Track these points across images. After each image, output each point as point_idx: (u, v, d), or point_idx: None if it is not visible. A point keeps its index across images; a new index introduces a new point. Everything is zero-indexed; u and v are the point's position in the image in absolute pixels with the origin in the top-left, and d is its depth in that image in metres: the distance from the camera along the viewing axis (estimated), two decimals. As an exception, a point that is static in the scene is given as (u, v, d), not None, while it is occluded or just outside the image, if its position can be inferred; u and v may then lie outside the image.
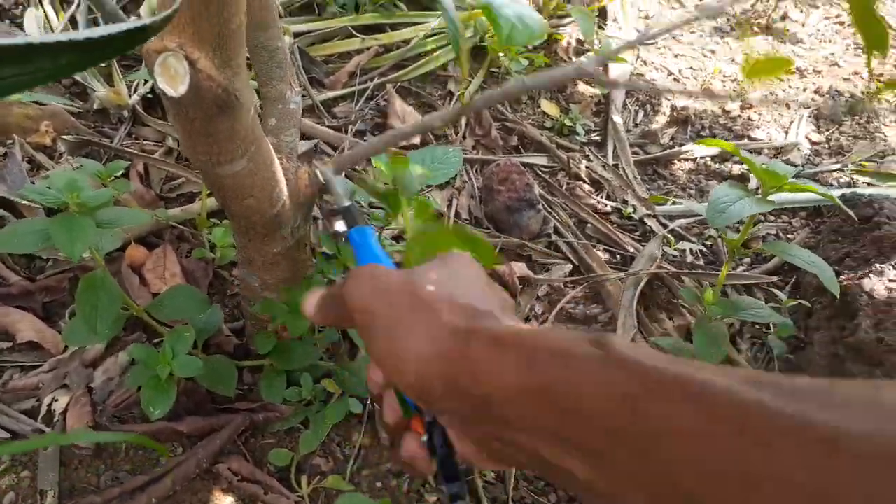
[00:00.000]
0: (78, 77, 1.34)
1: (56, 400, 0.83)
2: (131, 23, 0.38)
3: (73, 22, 1.40)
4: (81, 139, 1.23)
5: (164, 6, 0.48)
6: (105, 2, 0.57)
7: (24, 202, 1.03)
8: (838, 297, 0.98)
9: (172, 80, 0.51)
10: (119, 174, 0.96)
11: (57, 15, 1.40)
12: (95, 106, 1.30)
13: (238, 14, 0.50)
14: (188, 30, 0.51)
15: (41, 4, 1.40)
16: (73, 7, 1.41)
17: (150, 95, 1.35)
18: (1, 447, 0.64)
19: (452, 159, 1.05)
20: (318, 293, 0.44)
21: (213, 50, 0.53)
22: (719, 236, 1.39)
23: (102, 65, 1.33)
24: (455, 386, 0.34)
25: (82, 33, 0.37)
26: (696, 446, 0.25)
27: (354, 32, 1.61)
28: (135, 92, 1.34)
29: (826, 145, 1.63)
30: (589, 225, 1.35)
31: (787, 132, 1.64)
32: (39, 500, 0.74)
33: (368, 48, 1.60)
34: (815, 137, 1.64)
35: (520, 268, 1.21)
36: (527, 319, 1.15)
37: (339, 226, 0.63)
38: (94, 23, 1.42)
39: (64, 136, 1.24)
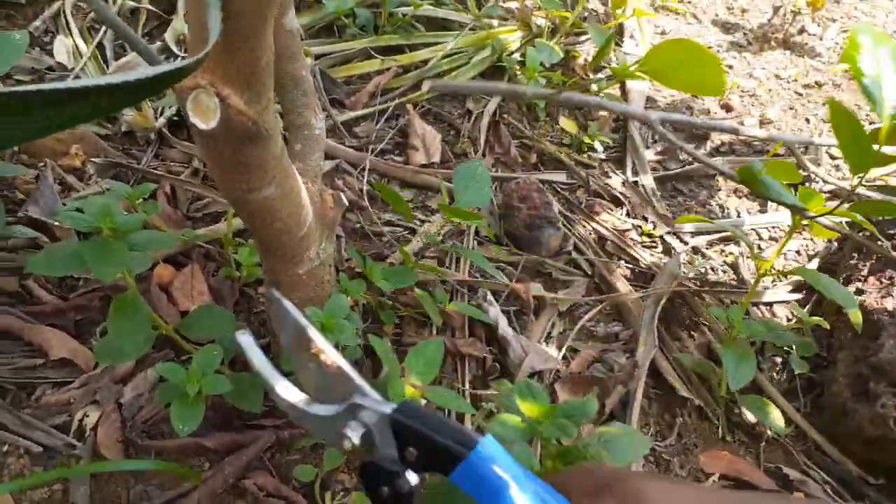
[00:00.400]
0: (107, 100, 1.38)
1: (87, 415, 0.85)
2: (167, 66, 0.40)
3: (100, 47, 1.45)
4: (110, 161, 1.27)
5: (196, 44, 0.50)
6: (136, 40, 0.59)
7: (56, 223, 1.06)
8: (860, 329, 0.99)
9: (204, 115, 0.53)
10: (147, 196, 0.99)
11: (85, 42, 1.45)
12: (123, 129, 1.34)
13: (266, 52, 0.52)
14: (218, 68, 0.53)
15: (70, 33, 1.45)
16: (101, 34, 1.45)
17: (175, 118, 1.38)
18: (35, 476, 0.66)
19: (481, 175, 1.07)
20: None
21: (243, 86, 0.55)
22: (746, 255, 1.39)
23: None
24: None
25: (120, 77, 0.39)
26: None
27: (374, 53, 1.64)
28: (161, 115, 1.37)
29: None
30: (609, 242, 1.36)
31: (806, 149, 1.64)
32: (72, 514, 0.76)
33: (388, 69, 1.63)
34: (836, 152, 1.63)
35: (536, 287, 1.22)
36: (547, 337, 1.16)
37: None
38: (122, 48, 1.47)
39: (93, 159, 1.27)
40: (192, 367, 0.80)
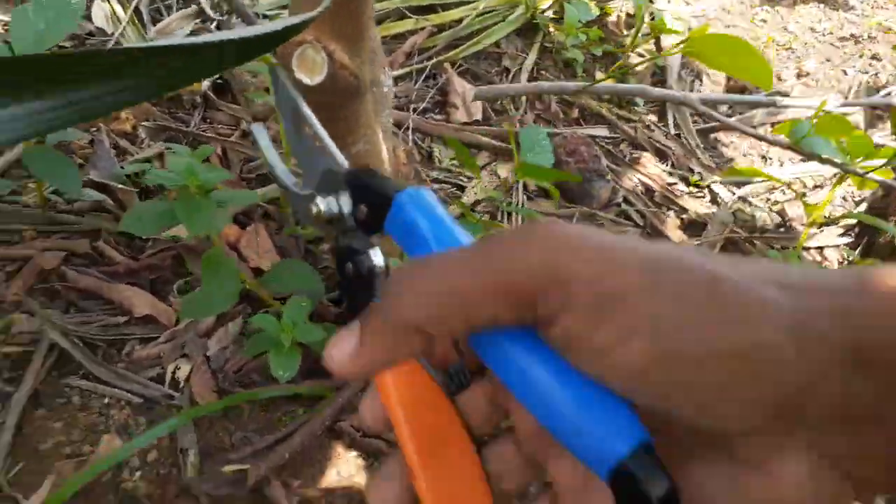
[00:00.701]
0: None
1: (178, 368, 0.86)
2: (291, 19, 0.41)
3: (136, 12, 1.44)
4: (160, 125, 1.27)
5: (306, 4, 0.50)
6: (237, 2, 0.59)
7: (119, 186, 1.07)
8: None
9: (310, 70, 0.53)
10: (206, 158, 0.99)
11: (123, 7, 1.44)
12: (169, 93, 1.33)
13: (369, 6, 0.53)
14: (325, 24, 0.53)
15: (108, -2, 1.43)
16: (138, -2, 1.44)
17: (219, 81, 1.37)
18: (152, 429, 0.68)
19: (542, 141, 1.08)
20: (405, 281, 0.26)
21: (347, 41, 0.55)
22: (793, 202, 1.40)
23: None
24: (884, 359, 0.23)
25: (238, 32, 0.40)
26: None
27: (407, 13, 1.63)
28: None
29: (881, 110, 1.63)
30: (657, 193, 1.37)
31: (846, 97, 1.64)
32: (181, 458, 0.77)
33: (422, 28, 1.62)
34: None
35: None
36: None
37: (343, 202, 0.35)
38: (158, 13, 1.45)
39: (143, 123, 1.27)
40: (284, 318, 0.81)
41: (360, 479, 0.78)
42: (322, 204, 0.35)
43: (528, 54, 1.60)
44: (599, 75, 1.63)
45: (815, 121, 1.00)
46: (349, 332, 0.26)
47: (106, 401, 0.82)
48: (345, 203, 0.35)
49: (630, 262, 0.23)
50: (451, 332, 0.26)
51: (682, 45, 0.94)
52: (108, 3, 1.44)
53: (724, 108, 1.63)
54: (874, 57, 1.75)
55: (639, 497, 0.24)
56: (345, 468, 0.79)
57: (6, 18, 1.26)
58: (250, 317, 0.95)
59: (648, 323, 0.23)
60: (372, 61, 0.89)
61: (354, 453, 0.81)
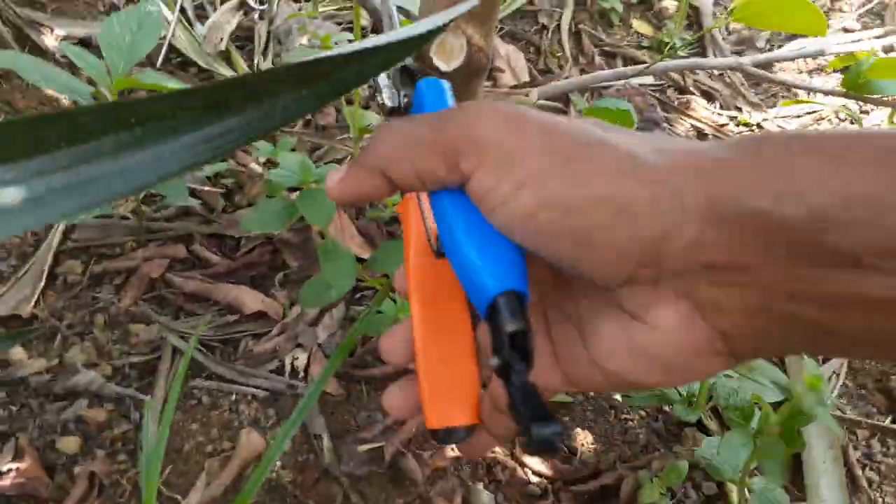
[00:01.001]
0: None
1: (296, 358, 0.91)
2: (445, 14, 0.43)
3: (182, 11, 1.45)
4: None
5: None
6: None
7: (205, 189, 1.10)
8: None
9: (448, 55, 0.55)
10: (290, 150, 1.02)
11: (168, 7, 1.45)
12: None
13: None
14: None
15: (148, -1, 1.44)
16: (181, -4, 1.45)
17: (268, 72, 1.39)
18: (289, 425, 0.72)
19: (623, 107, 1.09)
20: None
21: (480, 22, 0.57)
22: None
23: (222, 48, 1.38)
24: (734, 212, 0.24)
25: (400, 34, 0.42)
26: None
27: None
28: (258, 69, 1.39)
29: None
30: (709, 136, 1.38)
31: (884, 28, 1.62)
32: (316, 443, 0.83)
33: (454, -6, 1.61)
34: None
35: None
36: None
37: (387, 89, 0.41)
38: (202, 8, 1.46)
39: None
40: (400, 301, 0.86)
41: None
42: (385, 95, 0.40)
43: (562, 9, 1.60)
44: (635, 22, 1.62)
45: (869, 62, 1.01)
46: (342, 168, 0.32)
47: (233, 398, 0.88)
48: (402, 95, 0.40)
49: (530, 128, 0.28)
50: (403, 177, 0.30)
51: (733, 13, 0.94)
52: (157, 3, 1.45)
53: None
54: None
55: (497, 330, 0.28)
56: (469, 436, 0.84)
57: (81, 32, 1.28)
58: (350, 302, 1.00)
59: (538, 176, 0.27)
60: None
61: (474, 421, 0.86)
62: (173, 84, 0.95)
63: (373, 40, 0.36)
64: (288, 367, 0.91)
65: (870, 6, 1.63)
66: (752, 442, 0.75)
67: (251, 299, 0.96)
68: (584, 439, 0.88)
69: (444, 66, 0.57)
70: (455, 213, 0.31)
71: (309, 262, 1.03)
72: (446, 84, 0.36)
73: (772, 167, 0.24)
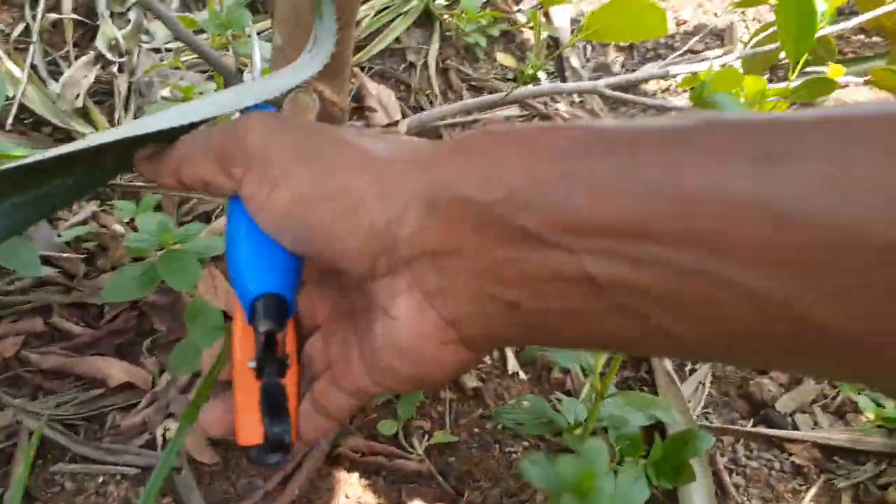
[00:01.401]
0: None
1: (167, 429, 0.88)
2: (298, 75, 0.44)
3: (33, 68, 1.38)
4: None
5: (294, 51, 0.53)
6: (212, 55, 0.61)
7: (64, 255, 1.05)
8: None
9: (301, 112, 0.56)
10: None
11: (17, 65, 1.37)
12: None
13: (349, 45, 0.56)
14: None
15: (-9, 57, 1.37)
16: (30, 54, 1.38)
17: (129, 126, 1.35)
18: (149, 486, 0.69)
19: None
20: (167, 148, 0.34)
21: (332, 79, 0.58)
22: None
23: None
24: (447, 198, 0.26)
25: (243, 90, 0.43)
26: None
27: (304, 23, 1.63)
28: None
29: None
30: (575, 162, 1.45)
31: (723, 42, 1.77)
32: (193, 517, 0.80)
33: (322, 36, 1.62)
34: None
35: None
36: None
37: None
38: (55, 64, 1.40)
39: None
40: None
41: (367, 498, 0.83)
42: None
43: (429, 46, 1.64)
44: (499, 55, 1.68)
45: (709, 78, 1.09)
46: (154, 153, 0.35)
47: (101, 479, 0.83)
48: None
49: (289, 134, 0.30)
50: (192, 180, 0.33)
51: (582, 32, 1.00)
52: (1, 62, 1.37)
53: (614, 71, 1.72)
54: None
55: (255, 332, 0.31)
56: (352, 491, 0.83)
57: None
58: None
59: (290, 177, 0.29)
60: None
61: (356, 474, 0.85)
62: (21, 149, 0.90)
63: (175, 116, 0.36)
64: (160, 440, 0.87)
65: (711, 28, 1.77)
66: (644, 474, 0.74)
67: (117, 370, 0.92)
68: (469, 478, 0.89)
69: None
70: (234, 220, 0.32)
71: (179, 323, 1.00)
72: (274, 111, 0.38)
73: (482, 156, 0.26)
